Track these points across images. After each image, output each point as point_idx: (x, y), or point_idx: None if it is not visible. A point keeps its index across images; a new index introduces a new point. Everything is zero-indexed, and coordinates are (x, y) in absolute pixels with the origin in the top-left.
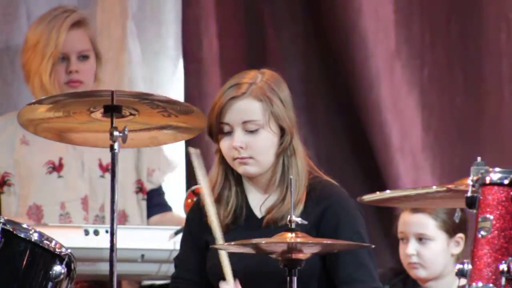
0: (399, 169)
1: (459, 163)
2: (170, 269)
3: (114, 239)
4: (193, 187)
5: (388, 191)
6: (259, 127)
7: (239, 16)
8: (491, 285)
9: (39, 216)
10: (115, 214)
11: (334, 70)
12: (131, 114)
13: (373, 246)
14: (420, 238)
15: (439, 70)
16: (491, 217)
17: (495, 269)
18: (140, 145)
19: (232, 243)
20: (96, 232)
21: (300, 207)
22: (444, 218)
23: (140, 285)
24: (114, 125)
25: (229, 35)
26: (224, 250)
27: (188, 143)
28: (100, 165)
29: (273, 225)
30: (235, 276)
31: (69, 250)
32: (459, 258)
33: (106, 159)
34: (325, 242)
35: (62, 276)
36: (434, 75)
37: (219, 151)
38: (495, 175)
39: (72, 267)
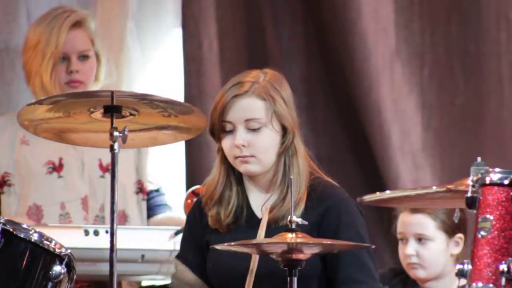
0: (399, 169)
1: (459, 163)
2: (170, 269)
3: (114, 239)
4: (193, 188)
5: (388, 191)
6: (261, 125)
7: (239, 16)
8: (491, 285)
9: (39, 216)
10: (115, 215)
11: (334, 70)
12: (131, 115)
13: (373, 247)
14: (420, 238)
15: (439, 70)
16: (491, 217)
17: (495, 270)
18: (140, 146)
19: (233, 243)
20: (96, 233)
21: (301, 207)
22: (443, 218)
23: (140, 285)
24: (114, 125)
25: (229, 35)
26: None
27: (188, 143)
28: (100, 165)
29: (274, 225)
30: (236, 276)
31: (69, 250)
32: (458, 258)
33: (106, 159)
34: (325, 242)
35: (62, 276)
36: (434, 75)
37: (220, 150)
38: (495, 175)
39: (72, 267)
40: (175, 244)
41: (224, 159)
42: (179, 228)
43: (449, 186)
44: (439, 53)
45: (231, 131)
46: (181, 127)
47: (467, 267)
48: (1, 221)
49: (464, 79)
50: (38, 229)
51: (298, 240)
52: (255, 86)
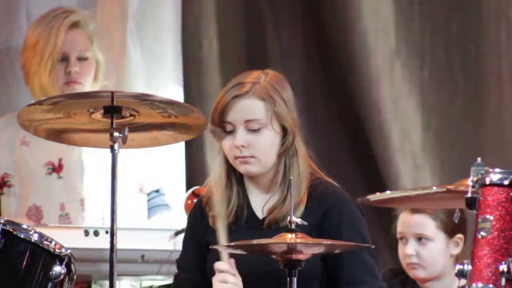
0: (399, 169)
1: (459, 163)
2: (170, 269)
3: (114, 239)
4: (193, 188)
5: (388, 191)
6: (261, 126)
7: (239, 16)
8: (491, 285)
9: (38, 217)
10: (115, 215)
11: (334, 70)
12: (131, 115)
13: (373, 247)
14: (420, 239)
15: (439, 70)
16: (491, 217)
17: (495, 270)
18: (140, 146)
19: (232, 243)
20: (96, 233)
21: (301, 208)
22: (443, 218)
23: (140, 285)
24: (114, 126)
25: (229, 35)
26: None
27: (188, 143)
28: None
29: (274, 226)
30: None
31: (69, 251)
32: (458, 259)
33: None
34: (324, 242)
35: (62, 277)
36: (434, 75)
37: (221, 150)
38: (495, 175)
39: (72, 268)
40: (175, 244)
41: (225, 160)
42: (179, 228)
43: (449, 187)
44: (439, 53)
45: (232, 132)
46: (181, 128)
47: (467, 267)
48: (1, 221)
49: (464, 79)
50: (38, 230)
51: (298, 241)
52: (256, 87)
